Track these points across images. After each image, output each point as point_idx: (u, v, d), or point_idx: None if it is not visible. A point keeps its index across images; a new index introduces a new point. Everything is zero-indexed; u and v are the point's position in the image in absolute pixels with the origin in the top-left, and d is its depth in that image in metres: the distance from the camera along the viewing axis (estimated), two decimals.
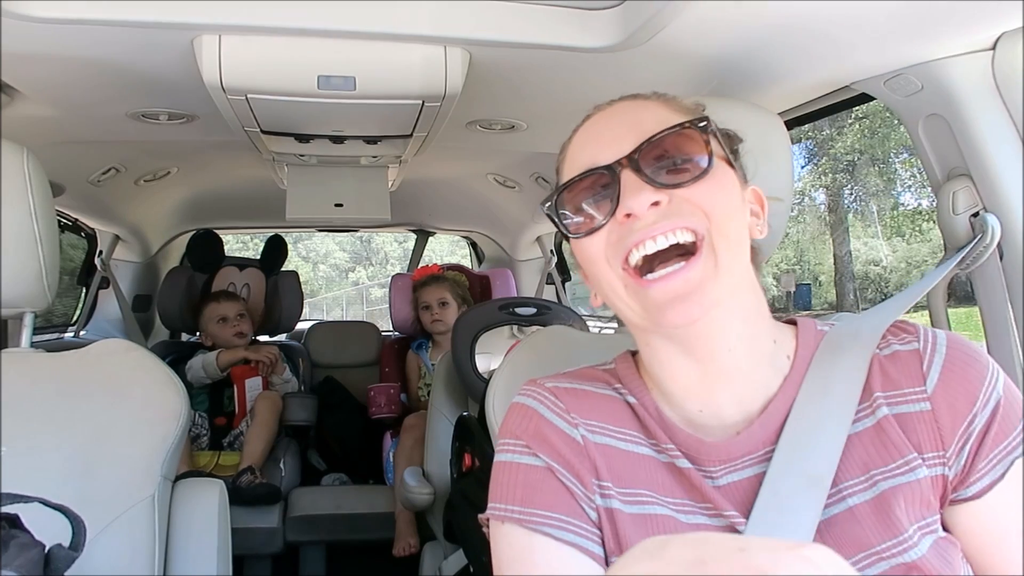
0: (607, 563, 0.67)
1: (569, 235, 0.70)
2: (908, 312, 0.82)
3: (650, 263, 0.65)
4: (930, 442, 0.65)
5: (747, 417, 0.68)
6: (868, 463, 0.65)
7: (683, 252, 0.64)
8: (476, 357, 1.96)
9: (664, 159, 0.65)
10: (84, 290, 2.90)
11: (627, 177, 0.65)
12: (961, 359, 0.67)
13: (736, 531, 0.65)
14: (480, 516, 0.73)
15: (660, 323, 0.65)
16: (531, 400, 0.74)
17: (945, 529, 0.66)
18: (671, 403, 0.71)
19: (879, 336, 0.70)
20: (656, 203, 0.64)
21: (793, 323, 0.74)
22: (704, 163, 0.65)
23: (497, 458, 0.73)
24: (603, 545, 0.67)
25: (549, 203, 0.70)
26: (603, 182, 0.67)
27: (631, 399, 0.73)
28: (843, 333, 0.71)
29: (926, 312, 1.12)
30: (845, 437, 0.65)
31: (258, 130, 1.48)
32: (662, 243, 0.64)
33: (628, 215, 0.64)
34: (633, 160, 0.65)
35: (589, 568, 0.65)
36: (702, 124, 0.66)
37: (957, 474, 0.65)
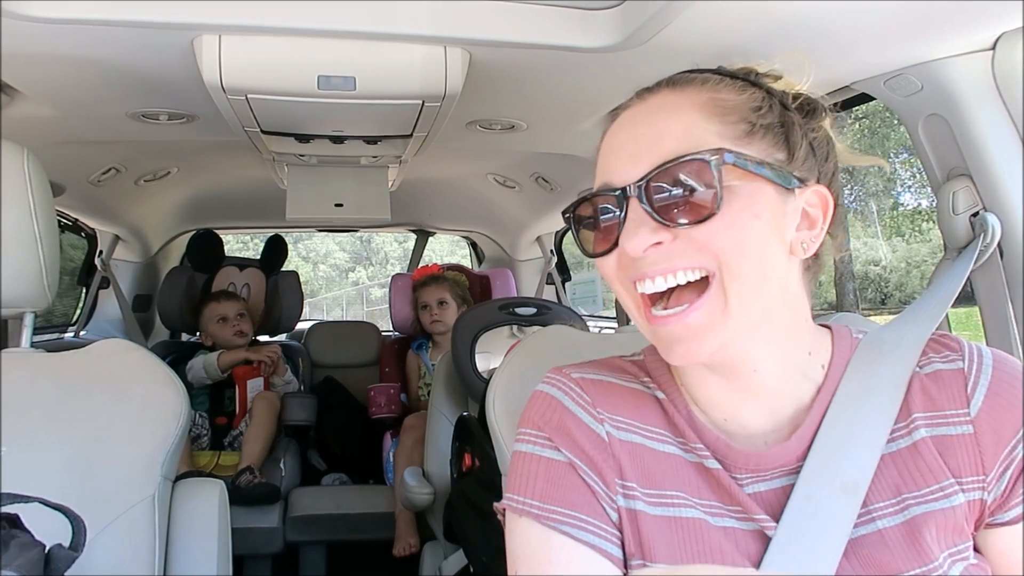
0: (626, 565, 0.65)
1: (583, 250, 0.68)
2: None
3: (659, 295, 0.62)
4: (970, 466, 0.62)
5: (776, 427, 0.66)
6: (900, 486, 0.63)
7: (698, 282, 0.61)
8: (476, 357, 1.96)
9: (674, 190, 0.60)
10: (84, 290, 2.90)
11: (632, 209, 0.61)
12: (1008, 382, 0.64)
13: (766, 536, 0.63)
14: (496, 505, 0.70)
15: (665, 358, 0.64)
16: (555, 390, 0.71)
17: (976, 549, 0.64)
18: (698, 406, 0.69)
19: (919, 351, 0.67)
20: (659, 243, 0.60)
21: (827, 327, 0.72)
22: (711, 205, 0.59)
23: (517, 447, 0.70)
24: (623, 547, 0.65)
25: (568, 213, 0.68)
26: (612, 205, 0.63)
27: (659, 395, 0.70)
28: (881, 341, 0.69)
29: None
30: (881, 446, 0.63)
31: (258, 130, 1.48)
32: (660, 285, 0.61)
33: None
34: (640, 188, 0.61)
35: (607, 570, 0.63)
36: (713, 159, 0.59)
37: (996, 499, 0.63)
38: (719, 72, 0.66)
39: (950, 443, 0.63)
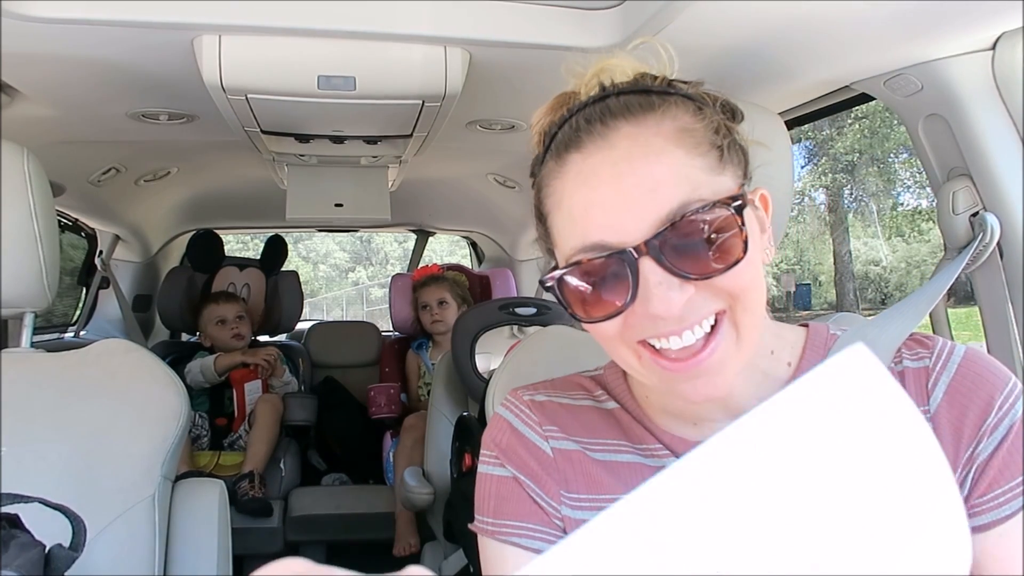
0: None
1: (577, 318, 0.61)
2: None
3: None
4: None
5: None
6: None
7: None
8: (476, 357, 1.96)
9: (690, 243, 0.54)
10: (84, 290, 2.89)
11: (648, 269, 0.55)
12: (971, 376, 0.60)
13: None
14: (469, 526, 0.74)
15: (678, 397, 0.61)
16: (507, 412, 0.74)
17: None
18: (664, 409, 0.69)
19: (895, 348, 0.66)
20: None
21: (805, 326, 0.71)
22: (740, 250, 0.55)
23: (478, 468, 0.74)
24: None
25: (552, 283, 0.60)
26: (615, 267, 0.56)
27: (611, 405, 0.72)
28: (858, 338, 0.66)
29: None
30: None
31: (258, 130, 1.48)
32: (689, 339, 0.56)
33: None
34: (654, 247, 0.54)
35: None
36: (736, 204, 0.55)
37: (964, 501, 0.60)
38: (652, 91, 0.60)
39: None
